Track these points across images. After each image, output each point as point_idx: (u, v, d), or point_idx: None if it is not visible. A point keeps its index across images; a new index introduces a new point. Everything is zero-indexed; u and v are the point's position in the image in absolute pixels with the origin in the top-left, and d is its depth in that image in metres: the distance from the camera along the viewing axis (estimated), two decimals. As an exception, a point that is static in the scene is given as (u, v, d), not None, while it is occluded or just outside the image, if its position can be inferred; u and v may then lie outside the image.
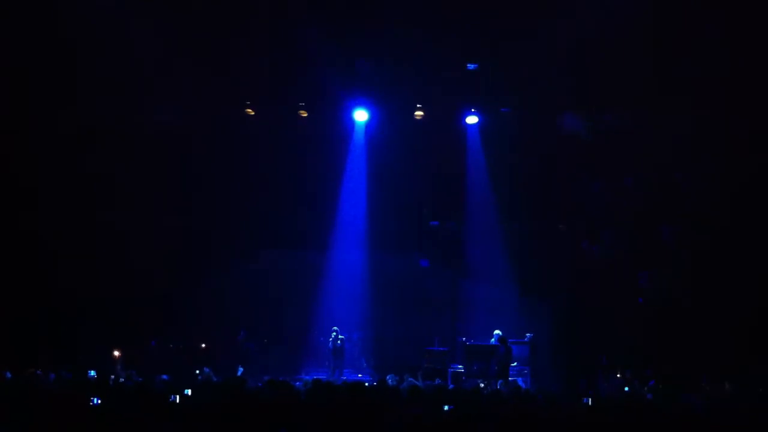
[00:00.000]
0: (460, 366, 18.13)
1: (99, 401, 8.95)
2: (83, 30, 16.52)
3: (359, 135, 21.15)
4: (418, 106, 20.32)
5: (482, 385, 15.44)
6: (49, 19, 16.39)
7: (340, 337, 19.38)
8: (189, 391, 9.43)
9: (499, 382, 15.86)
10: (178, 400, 9.14)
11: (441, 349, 18.71)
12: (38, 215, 18.40)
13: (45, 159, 18.35)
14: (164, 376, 13.12)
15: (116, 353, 18.42)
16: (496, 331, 17.99)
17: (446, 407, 9.06)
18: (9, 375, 12.06)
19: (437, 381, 14.98)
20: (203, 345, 20.00)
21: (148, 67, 17.65)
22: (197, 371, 15.60)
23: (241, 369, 18.55)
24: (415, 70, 18.72)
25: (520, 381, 16.76)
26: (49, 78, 17.46)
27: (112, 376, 13.11)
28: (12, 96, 17.41)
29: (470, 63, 18.75)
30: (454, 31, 17.28)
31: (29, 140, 18.09)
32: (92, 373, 12.94)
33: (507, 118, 20.48)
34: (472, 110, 20.62)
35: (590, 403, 9.72)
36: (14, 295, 17.90)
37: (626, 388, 15.79)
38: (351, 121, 20.94)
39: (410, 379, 13.68)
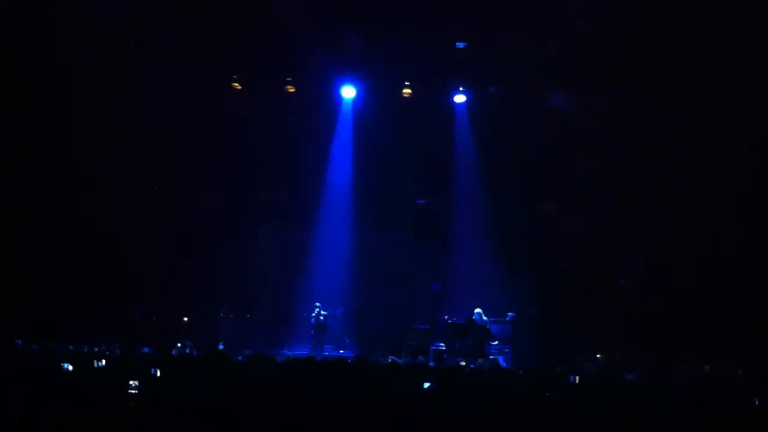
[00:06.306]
0: (442, 344, 18.19)
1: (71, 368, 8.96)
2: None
3: (346, 112, 21.05)
4: (406, 83, 20.21)
5: (463, 363, 15.47)
6: (48, 19, 16.37)
7: (322, 313, 19.39)
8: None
9: (479, 360, 15.89)
10: (158, 374, 9.07)
11: (424, 327, 18.74)
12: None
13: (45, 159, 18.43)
14: (146, 349, 13.15)
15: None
16: (477, 310, 18.06)
17: (426, 384, 9.09)
18: None
19: (420, 359, 15.03)
20: (185, 318, 19.97)
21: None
22: (178, 344, 15.60)
23: (221, 345, 18.52)
24: (404, 48, 18.59)
25: (501, 360, 16.84)
26: (49, 78, 17.46)
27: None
28: (12, 96, 17.43)
29: (459, 41, 18.64)
30: (443, 7, 17.13)
31: (29, 140, 18.16)
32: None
33: (494, 96, 20.43)
34: (460, 89, 20.57)
35: (577, 381, 9.75)
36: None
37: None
38: (338, 98, 20.85)
39: (392, 357, 13.74)
